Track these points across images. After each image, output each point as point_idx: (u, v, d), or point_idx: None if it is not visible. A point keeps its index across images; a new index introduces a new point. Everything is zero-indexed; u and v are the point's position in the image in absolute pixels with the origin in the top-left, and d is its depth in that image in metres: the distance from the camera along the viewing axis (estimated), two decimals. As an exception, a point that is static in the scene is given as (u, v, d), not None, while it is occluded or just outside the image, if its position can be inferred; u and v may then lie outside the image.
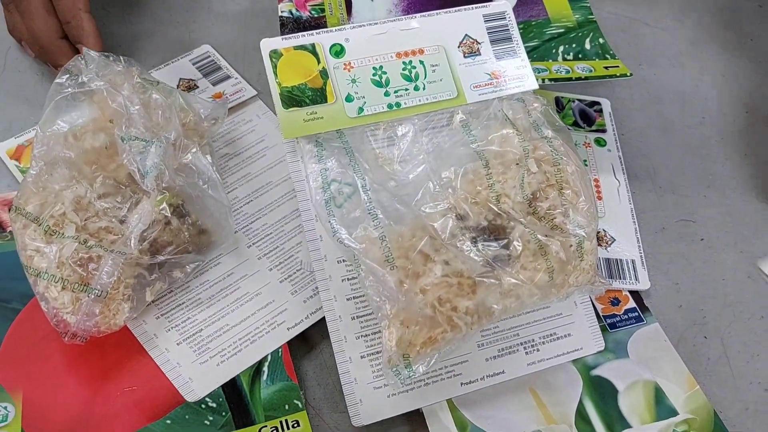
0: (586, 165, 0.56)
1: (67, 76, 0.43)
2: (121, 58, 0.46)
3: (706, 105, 0.63)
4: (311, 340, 0.47)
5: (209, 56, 0.58)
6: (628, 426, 0.45)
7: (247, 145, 0.54)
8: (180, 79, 0.56)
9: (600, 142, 0.58)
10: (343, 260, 0.45)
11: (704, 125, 0.61)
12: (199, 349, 0.44)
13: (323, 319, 0.46)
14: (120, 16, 0.61)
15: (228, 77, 0.57)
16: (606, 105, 0.60)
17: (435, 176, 0.44)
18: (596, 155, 0.57)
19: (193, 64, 0.58)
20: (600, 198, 0.55)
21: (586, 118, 0.59)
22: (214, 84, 0.57)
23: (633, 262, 0.52)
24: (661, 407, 0.46)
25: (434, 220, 0.43)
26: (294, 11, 0.54)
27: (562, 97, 0.60)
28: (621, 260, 0.52)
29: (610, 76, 0.52)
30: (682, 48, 0.66)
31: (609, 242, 0.53)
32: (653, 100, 0.62)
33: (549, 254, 0.43)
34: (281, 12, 0.54)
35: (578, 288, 0.44)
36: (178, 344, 0.44)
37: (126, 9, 0.62)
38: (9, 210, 0.49)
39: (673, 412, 0.46)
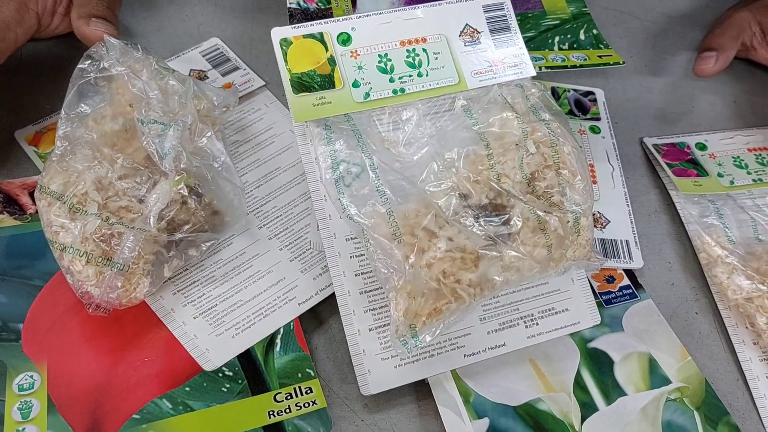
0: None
1: (89, 61, 0.45)
2: (139, 46, 0.48)
3: (695, 94, 0.65)
4: (321, 316, 0.50)
5: (218, 48, 0.61)
6: (624, 394, 0.47)
7: (256, 132, 0.56)
8: (190, 69, 0.59)
9: (594, 130, 0.60)
10: (352, 238, 0.48)
11: (693, 114, 0.64)
12: (214, 323, 0.46)
13: (332, 296, 0.48)
14: (131, 11, 0.63)
15: (237, 68, 0.60)
16: (600, 95, 0.63)
17: (438, 157, 0.47)
18: (591, 142, 0.60)
19: (203, 56, 0.60)
20: (595, 182, 0.57)
21: (581, 106, 0.62)
22: (224, 75, 0.59)
23: (627, 242, 0.55)
24: (655, 376, 0.48)
25: (438, 198, 0.45)
26: (302, 3, 0.56)
27: (558, 87, 0.62)
28: (615, 240, 0.55)
29: (604, 64, 0.55)
30: (672, 40, 0.69)
31: (604, 224, 0.56)
32: (645, 90, 0.65)
33: (547, 230, 0.45)
34: (290, 3, 0.56)
35: (575, 262, 0.47)
36: (194, 318, 0.46)
37: (136, 4, 0.64)
38: (29, 193, 0.51)
39: (667, 381, 0.48)
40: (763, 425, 0.48)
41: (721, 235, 0.54)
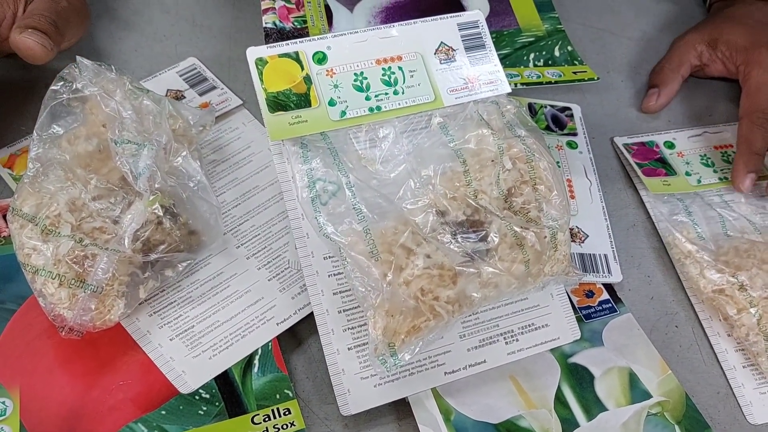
0: (560, 166, 0.59)
1: (62, 83, 0.45)
2: (113, 66, 0.48)
3: (670, 109, 0.66)
4: (299, 336, 0.49)
5: (195, 68, 0.61)
6: (605, 409, 0.47)
7: (234, 151, 0.56)
8: (167, 89, 0.58)
9: (572, 145, 0.61)
10: (330, 256, 0.47)
11: (669, 129, 0.64)
12: (191, 344, 0.46)
13: (310, 315, 0.48)
14: (107, 31, 0.63)
15: (214, 88, 0.59)
16: (576, 110, 0.63)
17: (415, 175, 0.47)
18: (568, 157, 0.60)
19: (180, 76, 0.60)
20: (573, 197, 0.58)
21: (558, 122, 0.62)
22: (201, 94, 0.59)
23: (605, 256, 0.55)
24: (636, 391, 0.48)
25: (415, 215, 0.45)
26: (278, 22, 0.57)
27: (535, 103, 0.63)
28: (594, 255, 0.55)
29: (579, 81, 0.55)
30: (647, 55, 0.69)
31: (583, 238, 0.56)
32: (622, 105, 0.66)
33: (525, 245, 0.45)
34: (265, 23, 0.56)
35: (554, 277, 0.47)
36: (170, 339, 0.46)
37: (113, 24, 0.64)
38: (2, 216, 0.51)
39: (647, 395, 0.48)
40: (743, 414, 0.49)
41: (691, 232, 0.55)
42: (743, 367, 0.51)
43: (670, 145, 0.60)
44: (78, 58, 0.46)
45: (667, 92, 0.63)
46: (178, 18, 0.65)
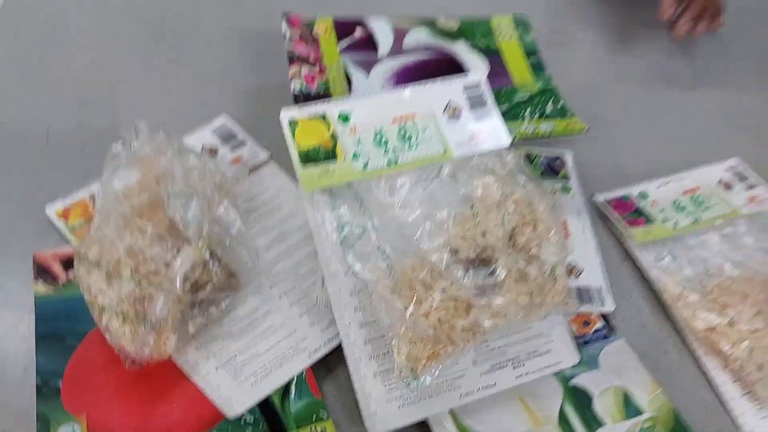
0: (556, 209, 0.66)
1: (122, 144, 0.52)
2: (162, 130, 0.54)
3: (653, 153, 0.73)
4: (330, 365, 0.55)
5: (227, 126, 0.67)
6: (603, 425, 0.53)
7: (264, 201, 0.62)
8: (203, 145, 0.65)
9: (566, 189, 0.68)
10: (355, 293, 0.53)
11: (647, 164, 0.71)
12: (235, 374, 0.51)
13: (338, 347, 0.53)
14: (148, 95, 0.70)
15: (244, 143, 0.66)
16: (569, 158, 0.70)
17: (430, 218, 0.53)
18: (563, 200, 0.67)
19: (214, 133, 0.66)
20: (568, 236, 0.64)
21: (553, 169, 0.69)
22: (233, 149, 0.65)
23: (600, 288, 0.61)
24: (629, 408, 0.54)
25: (432, 254, 0.51)
26: (304, 87, 0.64)
27: (530, 152, 0.70)
28: (589, 287, 0.61)
29: (569, 132, 0.62)
30: (630, 107, 0.77)
31: (578, 273, 0.62)
32: (609, 153, 0.73)
33: (528, 279, 0.52)
34: (293, 87, 0.63)
35: (554, 307, 0.53)
36: (216, 369, 0.51)
37: (150, 88, 0.71)
38: (60, 263, 0.56)
39: (640, 411, 0.54)
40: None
41: (678, 275, 0.61)
42: (734, 387, 0.57)
43: (644, 196, 0.67)
44: (135, 122, 0.53)
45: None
46: (210, 80, 0.72)
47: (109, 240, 0.49)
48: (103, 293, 0.48)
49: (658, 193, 0.68)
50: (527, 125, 0.63)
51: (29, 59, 0.71)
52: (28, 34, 0.73)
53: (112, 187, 0.51)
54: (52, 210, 0.59)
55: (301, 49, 0.67)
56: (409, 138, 0.56)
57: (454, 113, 0.59)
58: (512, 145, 0.59)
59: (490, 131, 0.58)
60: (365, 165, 0.54)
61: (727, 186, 0.69)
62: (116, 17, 0.76)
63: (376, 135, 0.56)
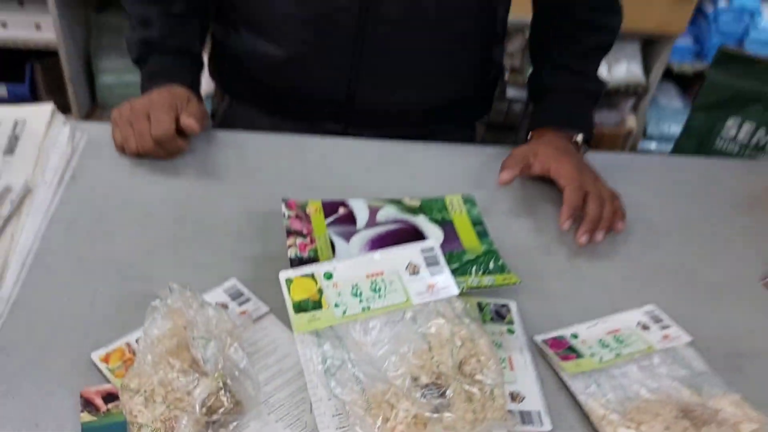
0: (502, 347, 0.81)
1: (159, 300, 0.68)
2: (188, 289, 0.71)
3: (584, 300, 0.89)
4: (316, 477, 0.67)
5: (235, 286, 0.84)
6: None
7: (265, 344, 0.78)
8: (216, 302, 0.81)
9: (511, 331, 0.83)
10: (337, 414, 0.67)
11: (583, 317, 0.87)
12: (241, 482, 0.64)
13: (325, 461, 0.66)
14: (175, 264, 0.88)
15: (249, 299, 0.82)
16: (513, 306, 0.86)
17: (395, 352, 0.68)
18: (510, 340, 0.82)
19: (224, 292, 0.83)
20: (512, 369, 0.78)
21: (500, 315, 0.85)
22: (239, 305, 0.82)
23: (539, 411, 0.74)
24: (564, 507, 0.65)
25: (396, 380, 0.66)
26: (298, 253, 0.82)
27: (481, 302, 0.86)
28: (530, 411, 0.74)
29: (507, 284, 0.79)
30: (563, 266, 0.94)
31: (521, 399, 0.76)
32: (546, 301, 0.89)
33: (473, 399, 0.66)
34: (290, 255, 0.81)
35: (495, 422, 0.67)
36: (225, 479, 0.64)
37: (169, 257, 0.88)
38: (102, 398, 0.71)
39: None
40: None
41: (603, 399, 0.74)
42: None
43: (575, 336, 0.82)
44: (169, 283, 0.70)
45: (512, 172, 0.99)
46: (223, 251, 0.90)
47: (147, 373, 0.64)
48: (141, 414, 0.62)
49: (587, 333, 0.83)
50: (473, 278, 0.81)
51: (82, 243, 0.89)
52: (83, 223, 0.92)
53: (152, 332, 0.66)
54: (96, 356, 0.74)
55: (297, 225, 0.86)
56: (379, 290, 0.73)
57: (414, 270, 0.76)
58: (461, 294, 0.75)
59: (443, 284, 0.75)
60: (344, 312, 0.71)
61: (645, 327, 0.84)
62: (148, 208, 0.95)
63: (353, 288, 0.73)
